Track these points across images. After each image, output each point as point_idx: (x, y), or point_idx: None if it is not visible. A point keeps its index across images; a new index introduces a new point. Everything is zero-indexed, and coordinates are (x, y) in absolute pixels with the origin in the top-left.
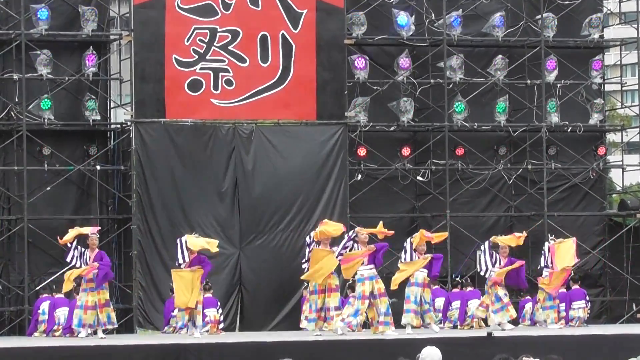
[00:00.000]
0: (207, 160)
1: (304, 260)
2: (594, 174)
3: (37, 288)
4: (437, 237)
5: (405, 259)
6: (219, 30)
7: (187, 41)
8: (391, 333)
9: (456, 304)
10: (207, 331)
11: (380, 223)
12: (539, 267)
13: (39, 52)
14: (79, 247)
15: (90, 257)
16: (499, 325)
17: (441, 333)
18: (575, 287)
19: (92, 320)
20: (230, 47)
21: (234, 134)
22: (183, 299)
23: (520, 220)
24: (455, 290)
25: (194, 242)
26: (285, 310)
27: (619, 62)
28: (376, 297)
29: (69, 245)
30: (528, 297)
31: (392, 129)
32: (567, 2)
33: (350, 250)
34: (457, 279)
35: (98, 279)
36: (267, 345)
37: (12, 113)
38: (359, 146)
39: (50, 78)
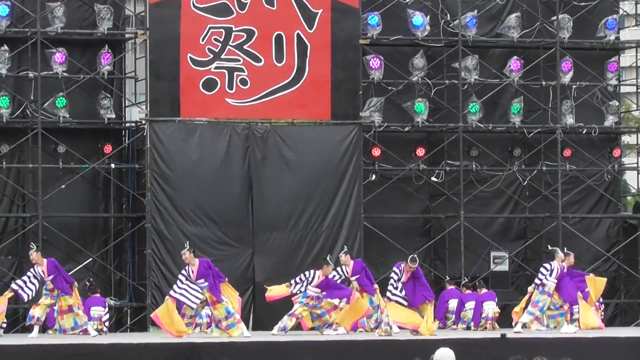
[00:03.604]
0: (221, 160)
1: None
2: (609, 176)
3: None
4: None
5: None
6: (234, 29)
7: (203, 40)
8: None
9: (469, 304)
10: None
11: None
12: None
13: (54, 50)
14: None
15: (44, 272)
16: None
17: (455, 334)
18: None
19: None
20: (245, 47)
21: (249, 134)
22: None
23: (534, 222)
24: (468, 291)
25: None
26: None
27: (634, 64)
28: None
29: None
30: None
31: (406, 129)
32: (582, 4)
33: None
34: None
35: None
36: (280, 345)
37: (27, 111)
38: (373, 146)
39: (66, 76)
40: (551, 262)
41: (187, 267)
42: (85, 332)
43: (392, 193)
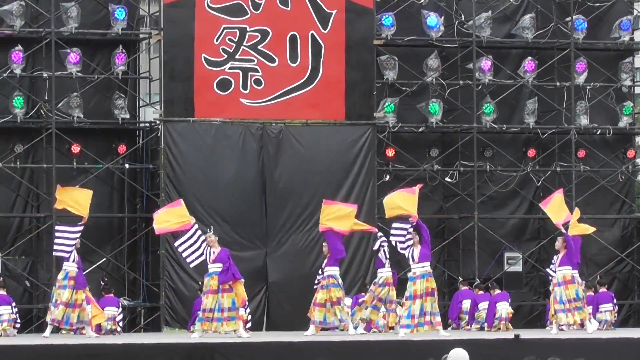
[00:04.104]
0: (235, 160)
1: None
2: (623, 177)
3: None
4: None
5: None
6: (248, 29)
7: (217, 40)
8: (444, 333)
9: (483, 305)
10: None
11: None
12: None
13: (68, 50)
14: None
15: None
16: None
17: (469, 335)
18: (603, 290)
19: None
20: (259, 47)
21: (263, 134)
22: None
23: (548, 223)
24: (481, 292)
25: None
26: None
27: None
28: (423, 295)
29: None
30: None
31: (420, 130)
32: (597, 5)
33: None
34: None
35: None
36: (294, 345)
37: (41, 111)
38: (387, 147)
39: (80, 76)
40: (555, 256)
41: (207, 248)
42: (82, 331)
43: None
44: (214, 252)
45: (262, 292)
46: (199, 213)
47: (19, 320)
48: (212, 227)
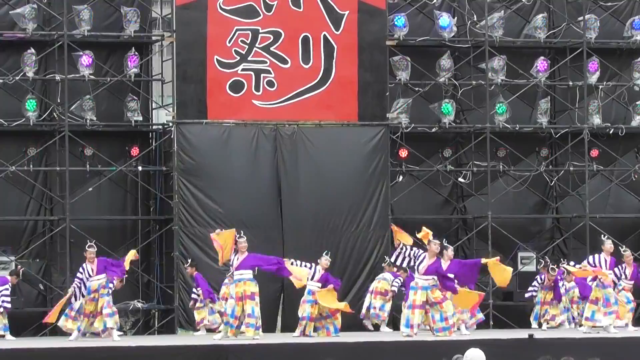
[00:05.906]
0: (248, 161)
1: None
2: (636, 176)
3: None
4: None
5: None
6: (260, 31)
7: (229, 42)
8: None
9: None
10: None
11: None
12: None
13: (81, 53)
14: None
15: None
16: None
17: (483, 335)
18: None
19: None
20: (272, 48)
21: (276, 135)
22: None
23: (562, 223)
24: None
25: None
26: None
27: None
28: (433, 304)
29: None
30: None
31: (433, 130)
32: (609, 4)
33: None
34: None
35: None
36: (308, 347)
37: (54, 114)
38: (401, 147)
39: (93, 79)
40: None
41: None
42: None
43: (419, 194)
44: (237, 259)
45: (278, 294)
46: (213, 215)
47: (9, 300)
48: (241, 232)
